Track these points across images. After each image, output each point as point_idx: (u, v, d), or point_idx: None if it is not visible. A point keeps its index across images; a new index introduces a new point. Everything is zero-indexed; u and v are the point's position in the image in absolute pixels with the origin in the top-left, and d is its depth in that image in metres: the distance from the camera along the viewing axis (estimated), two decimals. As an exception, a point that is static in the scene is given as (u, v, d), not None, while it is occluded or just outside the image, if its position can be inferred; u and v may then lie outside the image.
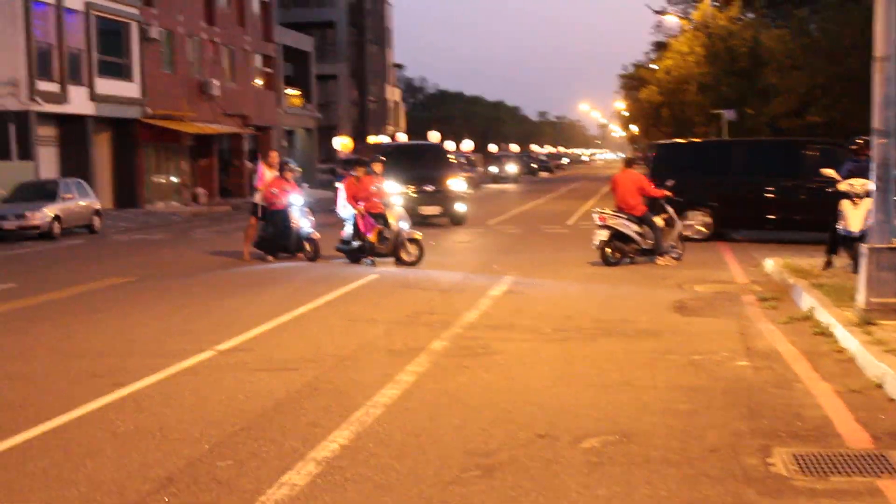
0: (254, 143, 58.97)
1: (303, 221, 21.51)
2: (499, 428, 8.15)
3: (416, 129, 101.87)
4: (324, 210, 33.82)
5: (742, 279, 17.46)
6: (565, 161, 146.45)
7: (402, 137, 79.47)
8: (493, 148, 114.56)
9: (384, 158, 31.61)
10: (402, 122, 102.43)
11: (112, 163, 43.88)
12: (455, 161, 35.32)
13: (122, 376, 10.16)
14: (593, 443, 7.72)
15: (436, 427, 8.21)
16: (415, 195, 30.19)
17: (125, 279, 18.80)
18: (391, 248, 20.35)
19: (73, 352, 11.67)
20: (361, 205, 20.49)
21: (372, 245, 20.28)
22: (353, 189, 20.77)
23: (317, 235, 21.53)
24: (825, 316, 12.44)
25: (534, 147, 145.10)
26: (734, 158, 24.97)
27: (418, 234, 20.40)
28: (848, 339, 10.99)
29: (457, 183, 31.66)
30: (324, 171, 66.41)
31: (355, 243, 20.51)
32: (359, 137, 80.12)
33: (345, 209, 21.03)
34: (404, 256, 20.21)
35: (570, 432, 8.00)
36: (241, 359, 11.04)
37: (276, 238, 21.57)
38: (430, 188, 30.83)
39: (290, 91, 66.24)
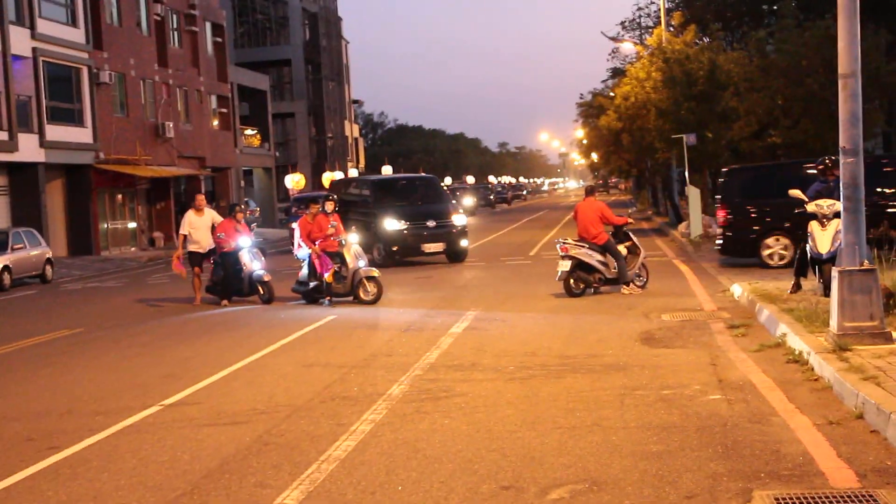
0: (211, 184, 58.32)
1: (254, 263, 20.96)
2: (460, 480, 7.61)
3: (376, 164, 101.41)
4: (278, 251, 33.22)
5: (709, 306, 17.01)
6: (525, 192, 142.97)
7: (354, 173, 79.17)
8: (447, 181, 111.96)
9: (369, 192, 31.24)
10: (362, 158, 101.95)
11: (66, 210, 43.02)
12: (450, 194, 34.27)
13: (60, 439, 9.54)
14: (562, 493, 7.19)
15: (392, 482, 7.66)
16: (416, 232, 28.96)
17: (73, 331, 18.14)
18: (349, 287, 19.80)
19: (9, 413, 11.02)
20: (317, 244, 19.96)
21: (329, 285, 19.73)
22: (308, 228, 20.23)
23: (268, 277, 21.02)
24: (797, 342, 12.00)
25: (491, 178, 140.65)
26: (809, 178, 24.08)
27: (376, 272, 19.87)
28: (823, 367, 10.54)
29: (460, 218, 30.18)
30: (283, 209, 65.80)
31: (312, 284, 19.96)
32: (318, 175, 79.59)
33: (301, 249, 20.48)
34: (363, 295, 19.66)
35: (536, 482, 7.47)
36: (188, 413, 10.43)
37: (228, 282, 21.01)
38: (432, 223, 29.08)
39: (248, 131, 65.66)
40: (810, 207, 16.09)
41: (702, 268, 23.73)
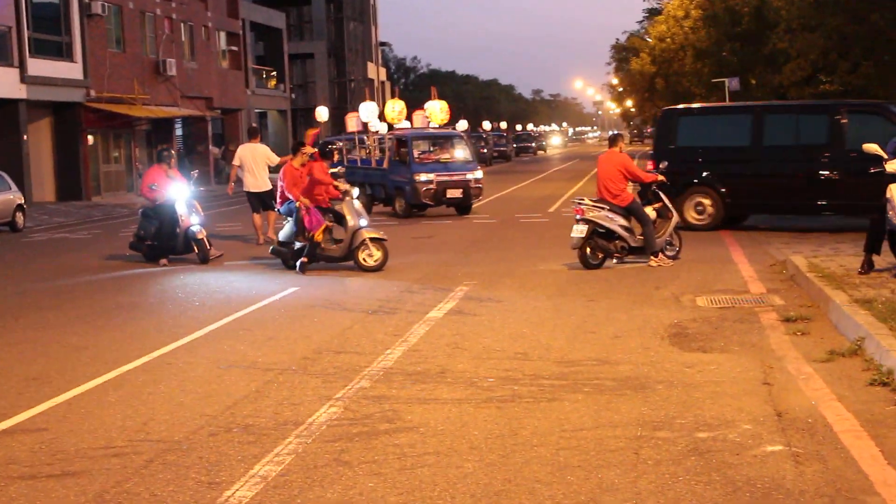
0: (220, 126, 55.18)
1: (192, 217, 18.22)
2: None
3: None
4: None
5: (757, 286, 13.70)
6: (534, 145, 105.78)
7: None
8: (461, 125, 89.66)
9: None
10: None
11: (53, 151, 39.94)
12: None
13: None
14: None
15: None
16: None
17: (-16, 299, 15.05)
18: (346, 249, 16.60)
19: None
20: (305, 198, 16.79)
21: (318, 245, 16.50)
22: (294, 175, 17.00)
23: (203, 234, 18.23)
24: (884, 356, 8.69)
25: (485, 124, 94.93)
26: None
27: (381, 234, 16.74)
28: (930, 401, 7.26)
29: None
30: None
31: (298, 244, 16.69)
32: (340, 120, 76.27)
33: (287, 203, 17.25)
34: (365, 260, 16.45)
35: None
36: (11, 452, 7.27)
37: (161, 238, 18.32)
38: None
39: (262, 72, 62.32)
40: (890, 166, 12.73)
41: (745, 232, 20.43)
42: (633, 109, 71.26)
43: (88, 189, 40.40)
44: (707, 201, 21.01)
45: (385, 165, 28.31)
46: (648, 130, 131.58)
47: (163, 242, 18.24)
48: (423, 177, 26.67)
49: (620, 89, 68.30)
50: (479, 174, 27.69)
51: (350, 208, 16.64)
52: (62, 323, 12.60)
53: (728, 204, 20.83)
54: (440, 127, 31.61)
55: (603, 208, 15.75)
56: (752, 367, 9.12)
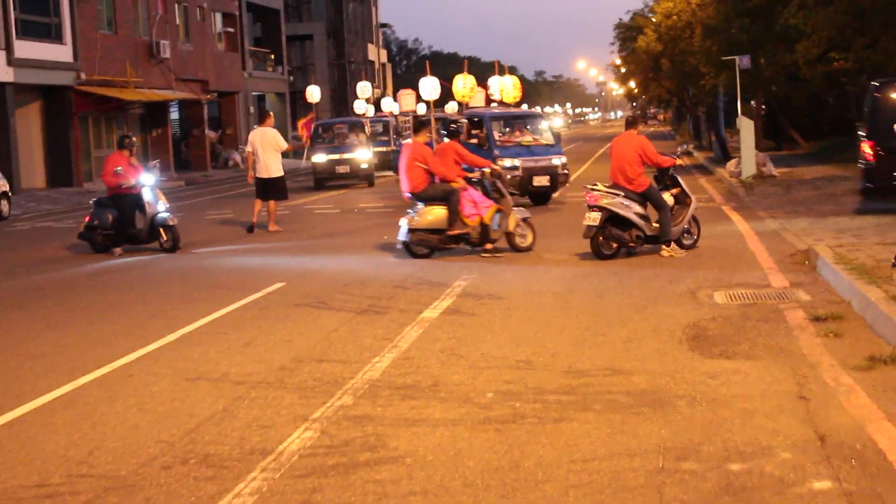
0: (217, 110, 54.11)
1: (159, 204, 17.63)
2: None
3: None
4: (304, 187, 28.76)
5: (779, 280, 12.60)
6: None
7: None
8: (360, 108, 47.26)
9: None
10: (389, 85, 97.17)
11: (44, 136, 38.87)
12: None
13: None
14: None
15: None
16: None
17: (-52, 297, 14.01)
18: (502, 231, 15.71)
19: None
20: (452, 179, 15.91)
21: (486, 228, 15.54)
22: (423, 153, 15.76)
23: (174, 220, 17.69)
24: (936, 365, 7.65)
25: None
26: None
27: (527, 213, 16.15)
28: None
29: None
30: (297, 138, 61.48)
31: (451, 232, 15.47)
32: (339, 101, 75.16)
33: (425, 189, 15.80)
34: (519, 241, 15.77)
35: None
36: (-71, 490, 6.26)
37: (122, 226, 17.67)
38: None
39: (260, 54, 61.16)
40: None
41: (759, 218, 19.30)
42: (636, 90, 69.87)
43: (80, 175, 39.39)
44: None
45: None
46: (652, 111, 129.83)
47: (120, 232, 17.72)
48: (507, 162, 22.41)
49: (623, 70, 66.91)
50: (564, 159, 24.61)
51: (502, 185, 16.01)
52: (23, 325, 11.57)
53: None
54: (513, 106, 28.49)
55: (618, 195, 14.68)
56: (784, 376, 8.07)
